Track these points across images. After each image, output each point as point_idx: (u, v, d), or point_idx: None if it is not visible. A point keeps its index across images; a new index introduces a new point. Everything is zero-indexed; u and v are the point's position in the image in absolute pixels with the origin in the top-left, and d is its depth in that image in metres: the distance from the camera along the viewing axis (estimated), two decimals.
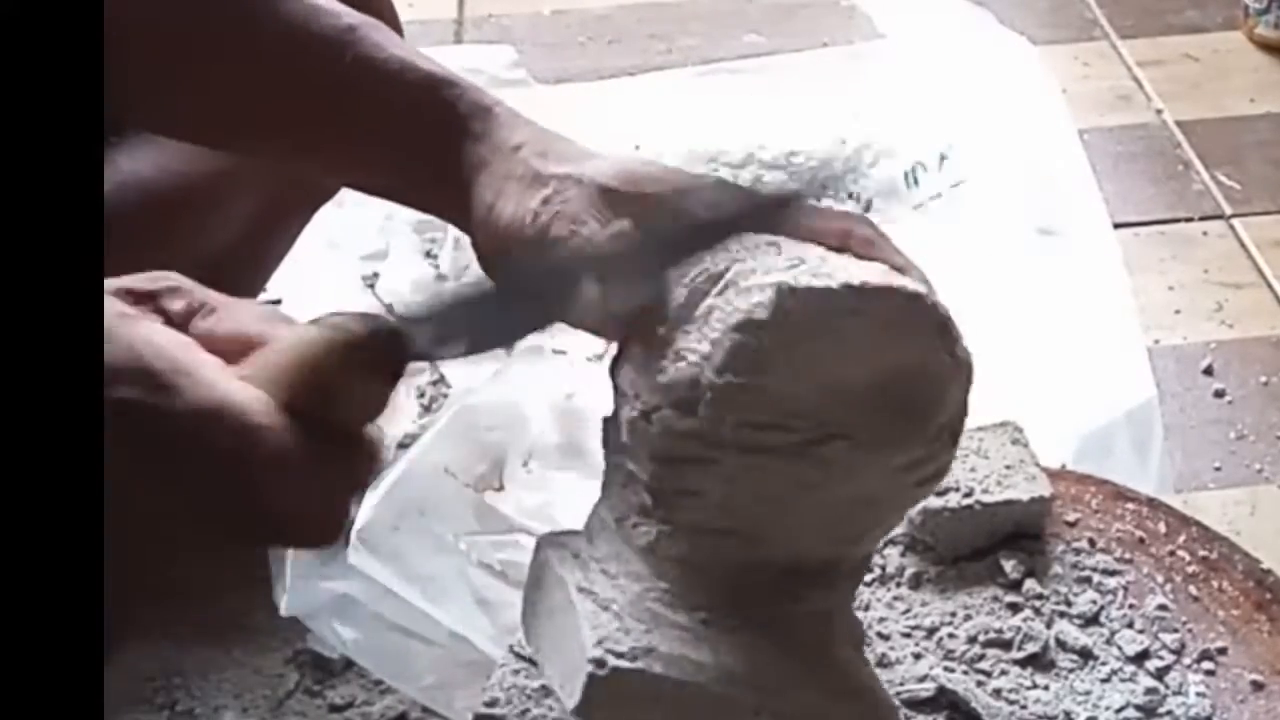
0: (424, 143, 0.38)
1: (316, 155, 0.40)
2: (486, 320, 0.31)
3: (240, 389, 0.26)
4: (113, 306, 0.27)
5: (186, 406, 0.25)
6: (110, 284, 0.27)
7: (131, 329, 0.26)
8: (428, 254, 0.71)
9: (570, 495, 0.58)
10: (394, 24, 0.54)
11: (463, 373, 0.63)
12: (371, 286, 0.69)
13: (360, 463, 0.28)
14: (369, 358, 0.28)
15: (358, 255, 0.70)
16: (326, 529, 0.27)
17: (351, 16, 0.38)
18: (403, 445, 0.59)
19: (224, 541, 0.27)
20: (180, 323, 0.28)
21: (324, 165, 0.41)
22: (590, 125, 0.83)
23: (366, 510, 0.54)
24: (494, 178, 0.37)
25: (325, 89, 0.38)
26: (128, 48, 0.36)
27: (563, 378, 0.63)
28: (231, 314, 0.29)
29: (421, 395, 0.63)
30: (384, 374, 0.29)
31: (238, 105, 0.39)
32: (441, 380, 0.64)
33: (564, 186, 0.37)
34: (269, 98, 0.38)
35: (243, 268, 0.54)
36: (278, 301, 0.65)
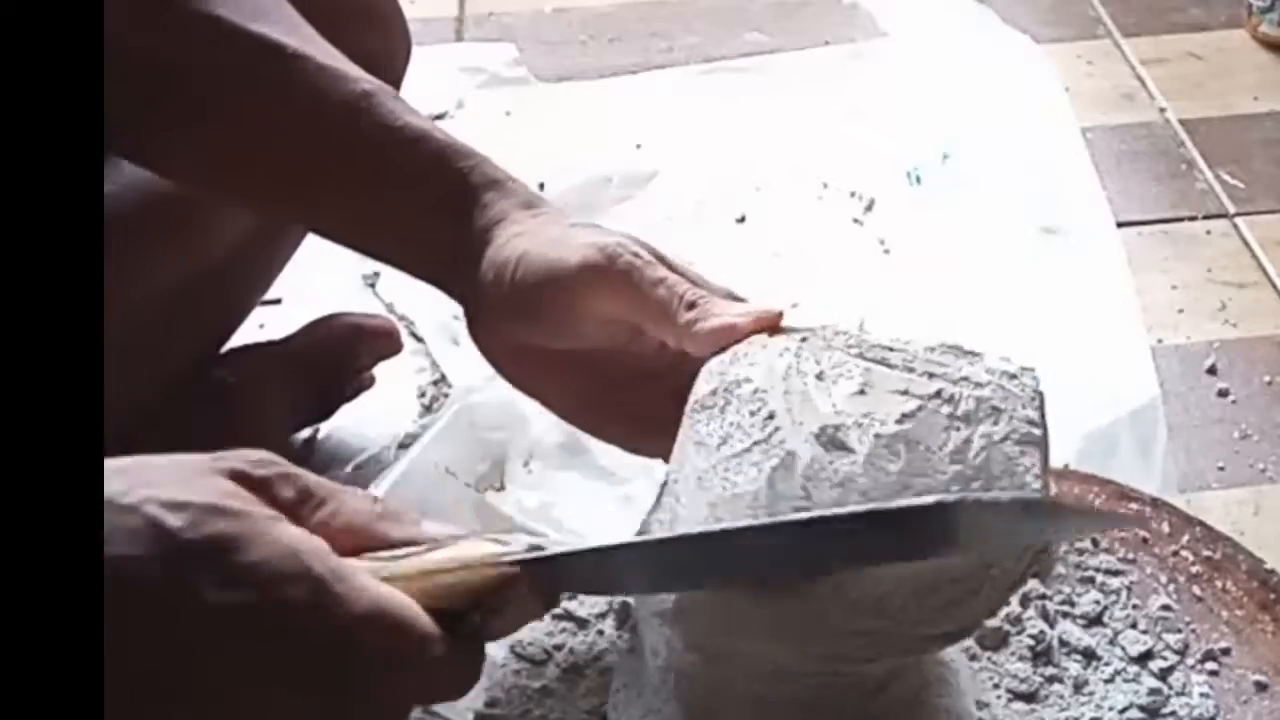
0: (434, 212, 0.38)
1: (325, 218, 0.40)
2: (643, 568, 0.31)
3: (399, 598, 0.27)
4: (258, 507, 0.27)
5: (355, 610, 0.26)
6: (222, 465, 0.28)
7: (286, 531, 0.27)
8: None
9: (571, 495, 0.58)
10: (398, 22, 0.54)
11: (463, 372, 0.63)
12: (372, 286, 0.69)
13: (473, 672, 0.29)
14: (529, 580, 0.29)
15: (357, 255, 0.69)
16: None
17: (368, 83, 0.38)
18: (403, 445, 0.59)
19: None
20: (291, 510, 0.28)
21: (332, 228, 0.40)
22: (591, 124, 0.83)
23: None
24: (510, 234, 0.37)
25: (338, 154, 0.38)
26: (140, 92, 0.37)
27: None
28: (343, 504, 0.29)
29: (422, 395, 0.63)
30: (541, 598, 0.30)
31: (249, 163, 0.39)
32: (443, 380, 0.64)
33: (587, 225, 0.37)
34: (280, 159, 0.38)
35: (247, 269, 0.54)
36: (278, 301, 0.65)
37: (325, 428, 0.60)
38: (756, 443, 0.33)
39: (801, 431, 0.33)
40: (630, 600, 0.42)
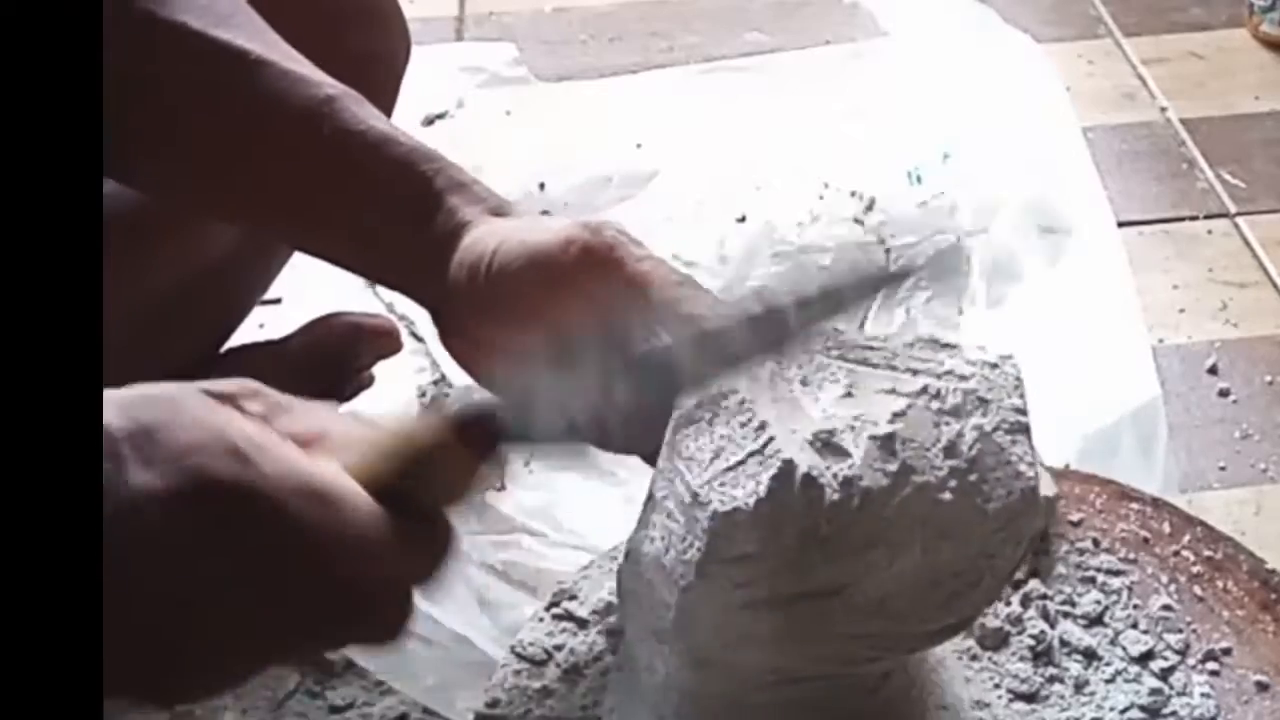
0: (400, 215, 0.37)
1: (289, 224, 0.39)
2: (585, 399, 0.30)
3: (325, 467, 0.26)
4: (196, 394, 0.26)
5: (272, 480, 0.25)
6: (189, 386, 0.27)
7: (214, 411, 0.26)
8: None
9: (572, 495, 0.58)
10: (398, 22, 0.54)
11: (464, 372, 0.63)
12: (372, 286, 0.68)
13: (437, 550, 0.28)
14: (460, 434, 0.28)
15: None
16: (392, 623, 0.27)
17: (332, 88, 0.38)
18: None
19: (290, 627, 0.26)
20: (223, 393, 0.28)
21: (297, 235, 0.40)
22: (591, 123, 0.83)
23: None
24: (481, 234, 0.37)
25: (302, 160, 0.37)
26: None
27: None
28: (308, 413, 0.28)
29: (422, 394, 0.63)
30: (474, 451, 0.28)
31: (211, 171, 0.38)
32: (443, 379, 0.64)
33: (600, 223, 0.37)
34: (243, 167, 0.38)
35: (247, 269, 0.54)
36: (278, 301, 0.65)
37: None
38: (751, 454, 0.33)
39: (796, 439, 0.33)
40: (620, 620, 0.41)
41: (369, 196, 0.37)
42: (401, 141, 0.38)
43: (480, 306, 0.37)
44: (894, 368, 0.35)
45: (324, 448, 0.27)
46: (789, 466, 0.32)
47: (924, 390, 0.34)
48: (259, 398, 0.28)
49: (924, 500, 0.32)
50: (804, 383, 0.34)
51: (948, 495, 0.32)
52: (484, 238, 0.37)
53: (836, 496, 0.32)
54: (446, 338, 0.39)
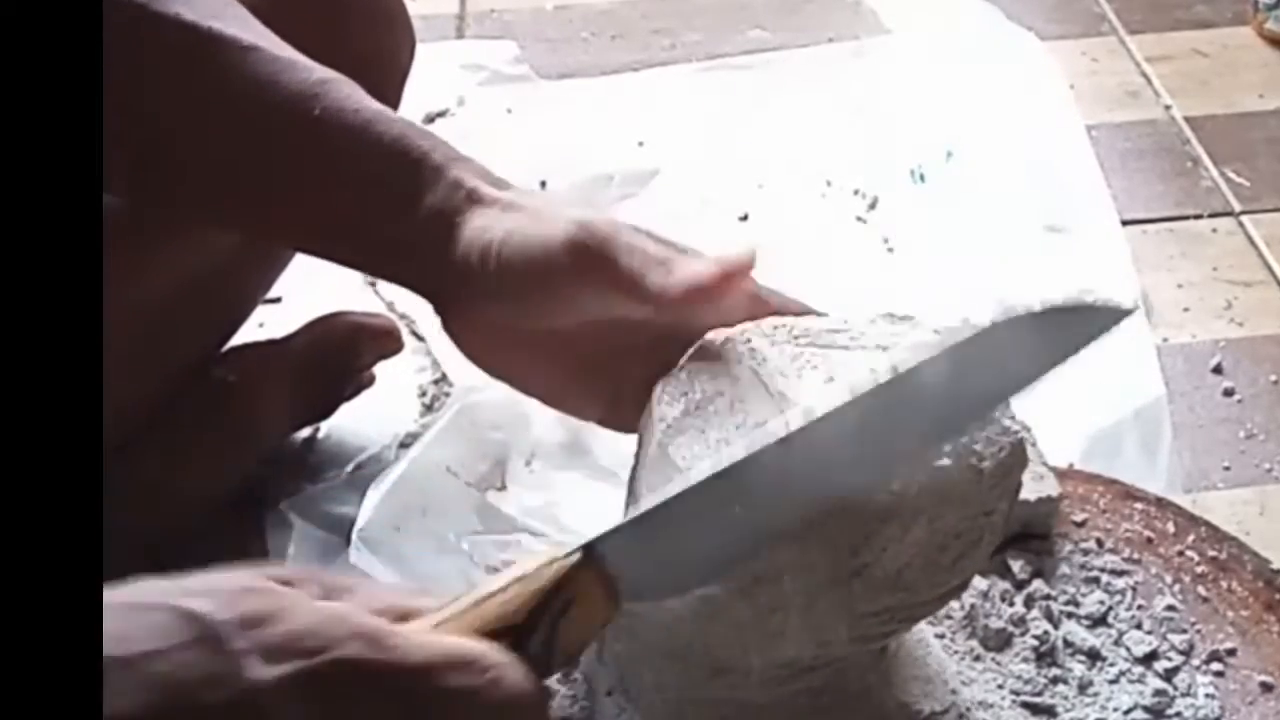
0: (394, 193, 0.37)
1: (284, 214, 0.39)
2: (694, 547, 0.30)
3: (451, 639, 0.26)
4: (288, 591, 0.26)
5: (416, 658, 0.25)
6: (250, 571, 0.27)
7: (321, 602, 0.26)
8: None
9: (573, 495, 0.57)
10: (402, 20, 0.54)
11: (465, 371, 0.63)
12: (373, 284, 0.68)
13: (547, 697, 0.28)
14: (591, 581, 0.28)
15: None
16: None
17: (323, 72, 0.37)
18: (404, 445, 0.58)
19: None
20: (286, 578, 0.27)
21: (292, 224, 0.39)
22: (593, 121, 0.83)
23: (367, 510, 0.54)
24: (480, 217, 0.36)
25: (293, 142, 0.37)
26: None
27: None
28: (370, 589, 0.28)
29: (423, 394, 0.63)
30: (607, 596, 0.29)
31: (204, 163, 0.38)
32: (444, 379, 0.63)
33: (557, 204, 0.36)
34: (235, 154, 0.37)
35: (249, 269, 0.54)
36: (278, 300, 0.65)
37: (325, 427, 0.60)
38: None
39: (794, 427, 0.32)
40: (602, 662, 0.40)
41: (362, 173, 0.37)
42: (394, 120, 0.37)
43: (486, 294, 0.36)
44: (864, 347, 0.35)
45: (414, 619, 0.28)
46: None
47: (897, 365, 0.34)
48: (315, 579, 0.28)
49: (925, 469, 0.33)
50: (784, 374, 0.34)
51: (946, 461, 0.33)
52: (490, 226, 0.36)
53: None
54: (447, 318, 0.38)
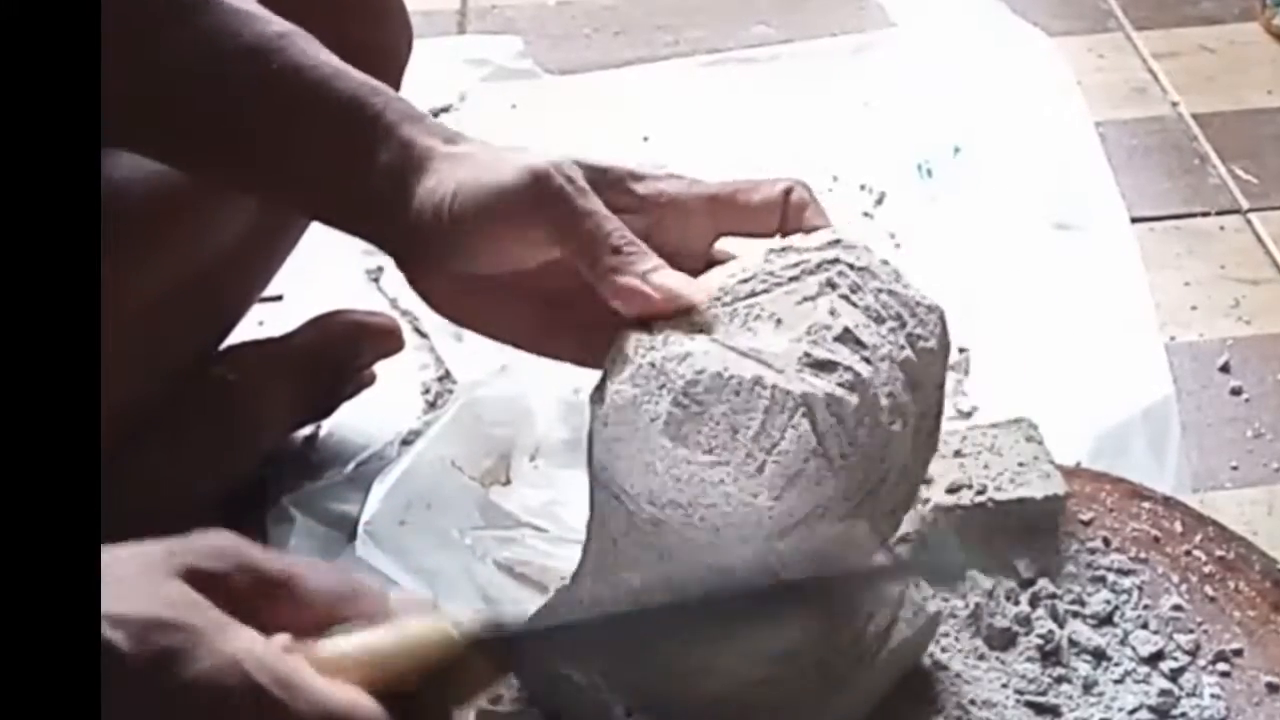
0: (349, 148, 0.37)
1: (239, 165, 0.39)
2: (615, 642, 0.30)
3: (345, 695, 0.27)
4: (206, 614, 0.27)
5: (307, 716, 0.26)
6: (177, 562, 0.27)
7: (231, 642, 0.26)
8: None
9: (576, 493, 0.57)
10: (399, 14, 0.53)
11: (468, 368, 0.63)
12: (376, 281, 0.68)
13: None
14: (481, 648, 0.29)
15: (361, 249, 0.69)
16: None
17: (282, 25, 0.37)
18: (406, 442, 0.58)
19: None
20: (247, 601, 0.28)
21: (248, 175, 0.39)
22: (598, 116, 0.82)
23: (373, 503, 0.54)
24: (436, 172, 0.36)
25: (248, 94, 0.37)
26: None
27: (569, 373, 0.62)
28: (302, 588, 0.29)
29: (426, 391, 0.62)
30: (492, 665, 0.30)
31: (162, 112, 0.38)
32: (447, 376, 0.63)
33: (519, 153, 0.36)
34: (191, 105, 0.37)
35: (247, 265, 0.54)
36: (279, 298, 0.65)
37: (327, 425, 0.60)
38: (767, 410, 0.33)
39: (789, 376, 0.34)
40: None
41: (316, 130, 0.37)
42: (352, 76, 0.37)
43: (442, 247, 0.36)
44: (780, 283, 0.36)
45: (325, 622, 0.28)
46: (809, 399, 0.33)
47: (824, 285, 0.36)
48: (248, 572, 0.28)
49: (897, 363, 0.35)
50: (740, 334, 0.35)
51: (908, 352, 0.36)
52: (444, 179, 0.36)
53: (856, 399, 0.34)
54: (410, 273, 0.38)
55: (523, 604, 0.52)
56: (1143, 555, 0.49)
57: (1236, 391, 0.64)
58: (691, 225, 0.38)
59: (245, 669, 0.26)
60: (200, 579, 0.27)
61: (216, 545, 0.28)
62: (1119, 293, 0.68)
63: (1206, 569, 0.48)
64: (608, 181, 0.37)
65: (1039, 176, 0.75)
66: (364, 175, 0.37)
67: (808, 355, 0.34)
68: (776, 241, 0.38)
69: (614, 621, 0.30)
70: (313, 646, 0.28)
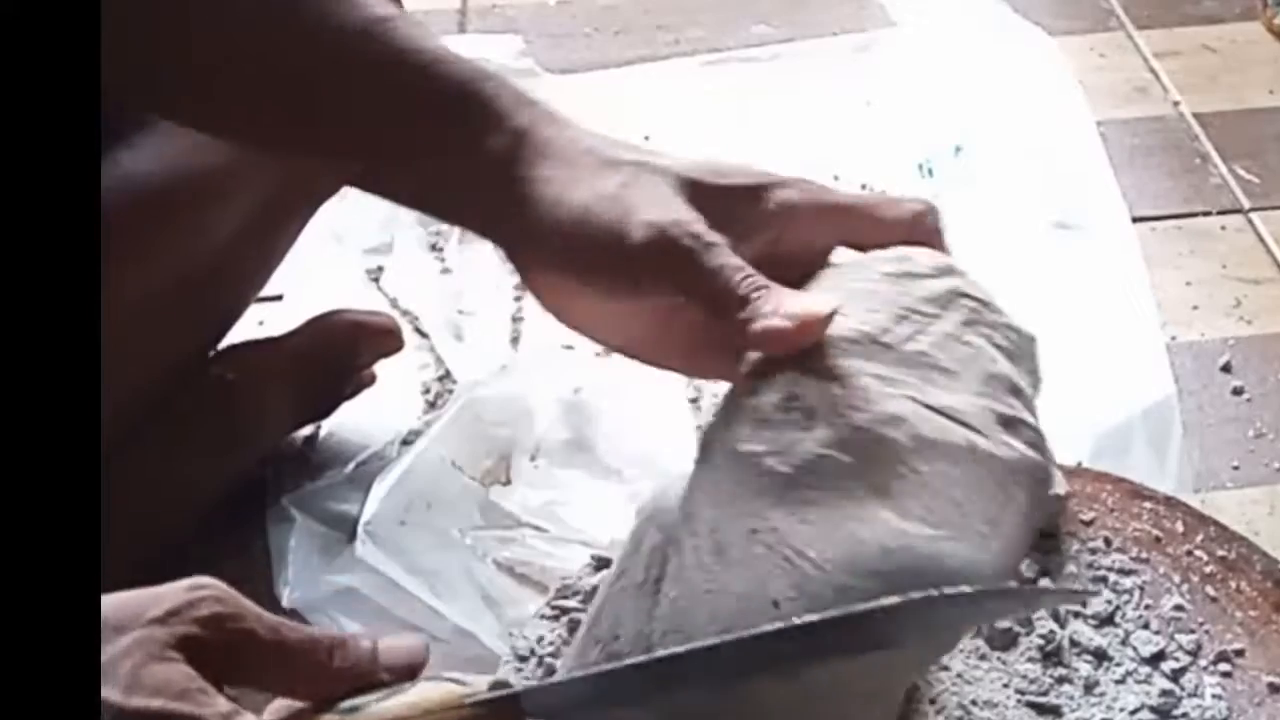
0: (461, 133, 0.36)
1: (344, 149, 0.38)
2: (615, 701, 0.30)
3: None
4: (213, 703, 0.26)
5: None
6: (178, 632, 0.27)
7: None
8: (433, 247, 0.70)
9: (576, 493, 0.57)
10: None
11: (468, 368, 0.63)
12: (376, 280, 0.68)
13: None
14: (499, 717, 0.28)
15: (361, 249, 0.69)
16: None
17: (388, 8, 0.37)
18: (406, 442, 0.58)
19: None
20: (250, 670, 0.28)
21: (351, 160, 0.38)
22: (598, 116, 0.82)
23: (373, 503, 0.54)
24: (554, 169, 0.35)
25: (357, 77, 0.36)
26: (142, 27, 0.35)
27: (570, 372, 0.62)
28: (300, 659, 0.29)
29: (426, 391, 0.62)
30: None
31: (267, 96, 0.37)
32: (447, 376, 0.63)
33: (639, 172, 0.35)
34: (301, 78, 0.37)
35: (245, 264, 0.54)
36: (279, 297, 0.65)
37: (327, 425, 0.60)
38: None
39: (1002, 442, 0.32)
40: None
41: (425, 112, 0.36)
42: (461, 60, 0.36)
43: (558, 267, 0.35)
44: (916, 315, 0.34)
45: (325, 692, 0.28)
46: (1021, 466, 0.32)
47: (963, 323, 0.34)
48: (249, 639, 0.28)
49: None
50: (921, 386, 0.33)
51: (1032, 390, 0.34)
52: (560, 197, 0.34)
53: (1043, 458, 0.33)
54: (526, 280, 0.37)
55: (523, 604, 0.52)
56: (1144, 555, 0.49)
57: (1238, 391, 0.64)
58: (817, 233, 0.36)
59: None
60: (196, 649, 0.27)
61: (212, 610, 0.28)
62: (1120, 292, 0.68)
63: (1208, 569, 0.48)
64: (734, 203, 0.35)
65: (1040, 176, 0.75)
66: (474, 163, 0.35)
67: (994, 413, 0.32)
68: (881, 254, 0.36)
69: (699, 655, 0.29)
70: (320, 717, 0.28)
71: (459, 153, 0.36)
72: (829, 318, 0.33)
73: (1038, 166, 0.75)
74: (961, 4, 0.88)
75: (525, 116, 0.36)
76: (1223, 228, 0.74)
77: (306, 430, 0.59)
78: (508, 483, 0.57)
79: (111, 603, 0.27)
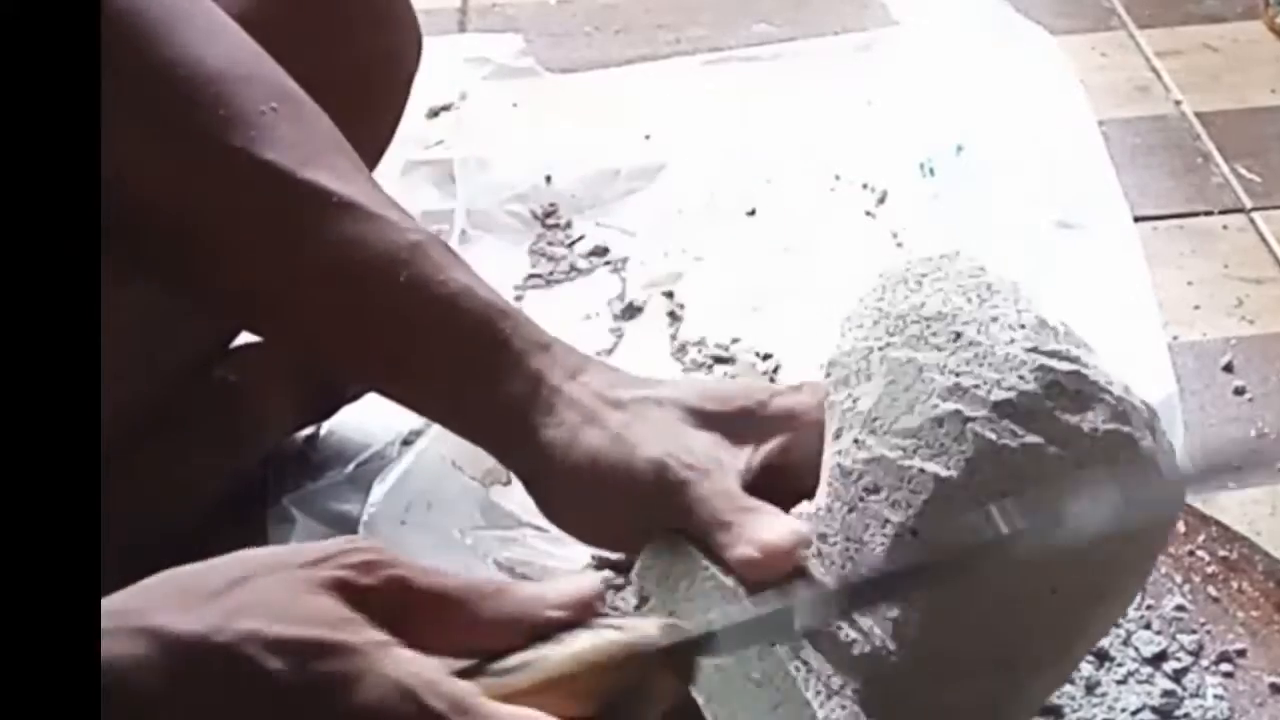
0: (475, 373, 0.37)
1: (366, 372, 0.39)
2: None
3: (523, 715, 0.26)
4: (364, 633, 0.25)
5: None
6: (324, 574, 0.26)
7: (397, 666, 0.25)
8: None
9: None
10: (409, 20, 0.53)
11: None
12: None
13: None
14: (669, 660, 0.28)
15: None
16: None
17: (417, 234, 0.37)
18: (407, 442, 0.58)
19: None
20: (398, 618, 0.27)
21: (373, 381, 0.40)
22: (599, 115, 0.82)
23: (373, 503, 0.54)
24: (564, 414, 0.37)
25: (375, 307, 0.37)
26: (180, 235, 0.36)
27: None
28: (453, 603, 0.28)
29: None
30: (679, 676, 0.29)
31: (286, 309, 0.38)
32: None
33: (644, 408, 0.37)
34: (319, 309, 0.37)
35: None
36: None
37: (328, 425, 0.60)
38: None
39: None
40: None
41: (441, 350, 0.37)
42: (478, 297, 0.37)
43: (575, 504, 0.37)
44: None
45: (480, 641, 0.27)
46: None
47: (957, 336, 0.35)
48: (397, 585, 0.27)
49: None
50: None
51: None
52: (580, 437, 0.36)
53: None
54: (542, 508, 0.39)
55: None
56: None
57: (1240, 391, 0.64)
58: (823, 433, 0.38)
59: (419, 696, 0.25)
60: (348, 592, 0.26)
61: (363, 555, 0.27)
62: (1122, 292, 0.68)
63: (1209, 569, 0.48)
64: (738, 421, 0.37)
65: (1041, 175, 0.75)
66: (489, 400, 0.37)
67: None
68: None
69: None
70: (483, 668, 0.27)
71: (476, 394, 0.37)
72: (793, 550, 0.34)
73: (1039, 166, 0.75)
74: (963, 3, 0.88)
75: (539, 362, 0.37)
76: (1224, 227, 0.74)
77: (307, 430, 0.59)
78: (508, 482, 0.57)
79: (260, 552, 0.26)
